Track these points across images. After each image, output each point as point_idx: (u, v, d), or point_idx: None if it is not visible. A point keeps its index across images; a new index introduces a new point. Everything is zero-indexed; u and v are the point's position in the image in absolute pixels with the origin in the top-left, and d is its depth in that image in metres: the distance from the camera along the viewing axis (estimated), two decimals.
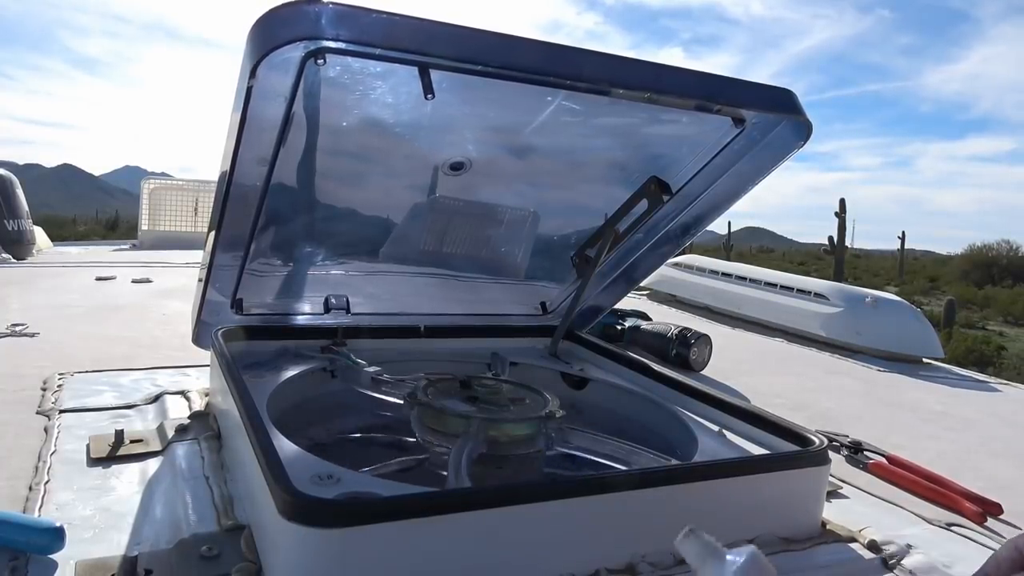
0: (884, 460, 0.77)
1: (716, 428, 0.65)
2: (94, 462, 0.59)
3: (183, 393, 0.77)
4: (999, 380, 1.36)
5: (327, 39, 0.50)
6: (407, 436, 0.65)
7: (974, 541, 0.59)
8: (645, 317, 1.31)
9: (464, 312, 0.91)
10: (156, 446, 0.63)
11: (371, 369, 0.71)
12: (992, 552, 0.57)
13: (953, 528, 0.61)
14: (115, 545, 0.46)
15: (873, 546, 0.54)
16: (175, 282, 1.70)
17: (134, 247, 3.12)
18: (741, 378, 1.12)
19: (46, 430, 0.66)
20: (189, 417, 0.69)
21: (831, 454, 0.58)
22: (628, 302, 1.28)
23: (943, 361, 1.48)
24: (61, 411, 0.71)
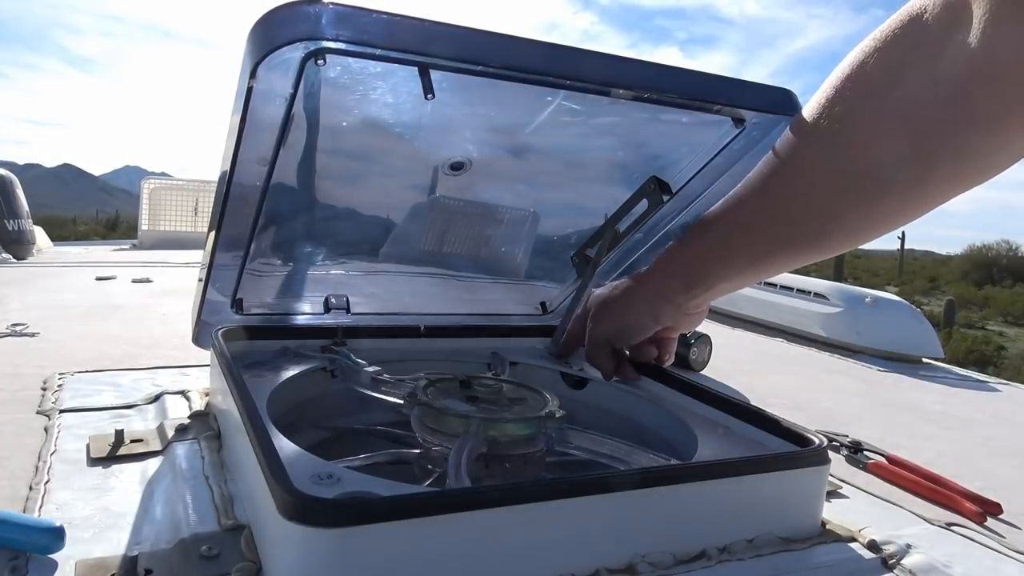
0: (884, 460, 0.77)
1: (716, 428, 0.65)
2: (94, 462, 0.59)
3: (183, 393, 0.77)
4: (999, 380, 1.36)
5: (327, 39, 0.50)
6: (407, 435, 0.65)
7: (974, 541, 0.59)
8: None
9: (464, 312, 0.90)
10: (156, 446, 0.63)
11: (371, 369, 0.71)
12: (991, 551, 0.58)
13: (953, 528, 0.61)
14: (115, 545, 0.46)
15: (873, 546, 0.54)
16: (175, 282, 1.70)
17: (134, 247, 3.12)
18: (741, 378, 1.12)
19: (46, 430, 0.66)
20: (189, 417, 0.69)
21: (831, 454, 0.58)
22: None
23: (943, 361, 1.49)
24: (61, 411, 0.71)
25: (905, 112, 0.46)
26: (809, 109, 0.53)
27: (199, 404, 0.73)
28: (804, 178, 0.54)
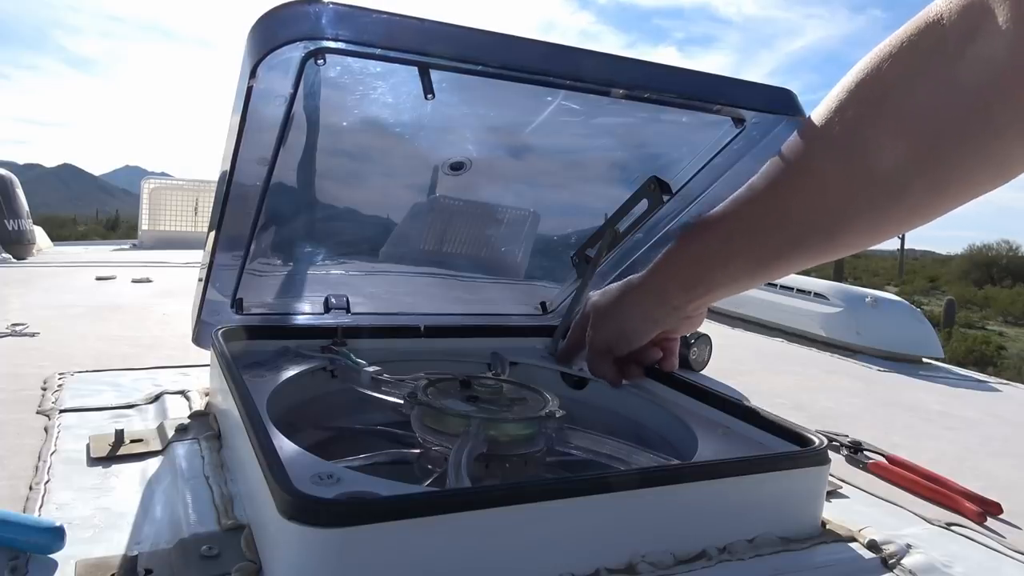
0: (884, 460, 0.77)
1: (716, 428, 0.65)
2: (94, 462, 0.59)
3: (183, 393, 0.77)
4: (999, 380, 1.36)
5: (327, 39, 0.50)
6: (407, 435, 0.65)
7: (974, 541, 0.59)
8: None
9: (464, 312, 0.90)
10: (156, 446, 0.63)
11: (371, 369, 0.71)
12: (991, 551, 0.58)
13: (953, 528, 0.61)
14: (115, 544, 0.46)
15: (873, 546, 0.54)
16: (175, 282, 1.70)
17: (134, 247, 3.12)
18: (741, 378, 1.12)
19: (46, 430, 0.66)
20: (189, 417, 0.69)
21: (831, 454, 0.58)
22: None
23: (943, 361, 1.49)
24: (61, 411, 0.71)
25: (921, 117, 0.46)
26: (820, 113, 0.53)
27: (199, 404, 0.73)
28: (814, 182, 0.54)
